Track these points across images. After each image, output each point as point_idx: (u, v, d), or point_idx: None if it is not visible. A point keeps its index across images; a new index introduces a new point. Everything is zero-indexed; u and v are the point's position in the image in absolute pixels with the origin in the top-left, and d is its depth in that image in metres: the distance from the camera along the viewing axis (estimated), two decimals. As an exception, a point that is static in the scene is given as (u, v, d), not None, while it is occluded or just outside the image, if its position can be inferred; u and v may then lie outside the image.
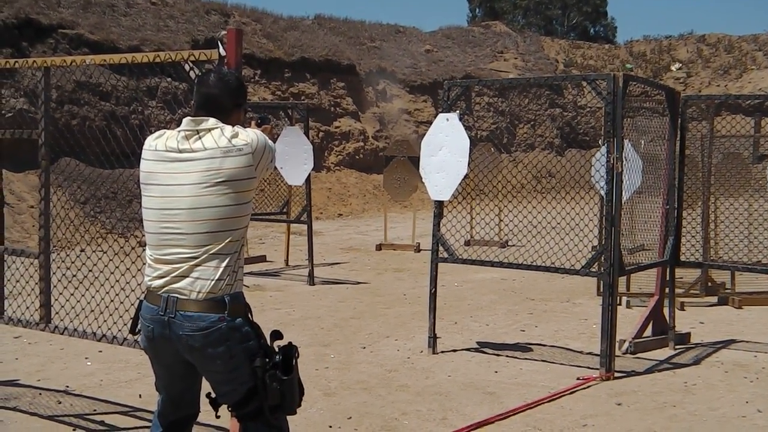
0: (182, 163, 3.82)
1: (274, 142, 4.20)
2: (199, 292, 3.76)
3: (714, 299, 11.41)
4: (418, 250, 15.99)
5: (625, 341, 8.30)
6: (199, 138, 3.83)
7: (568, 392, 6.91)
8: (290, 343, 3.97)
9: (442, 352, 8.25)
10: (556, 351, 8.42)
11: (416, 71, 31.96)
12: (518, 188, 10.01)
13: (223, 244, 3.80)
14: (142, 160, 3.98)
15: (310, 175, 12.37)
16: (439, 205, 8.38)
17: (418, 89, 31.09)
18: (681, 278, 11.51)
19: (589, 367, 7.63)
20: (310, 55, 28.07)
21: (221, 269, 3.79)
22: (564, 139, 33.50)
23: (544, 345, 8.70)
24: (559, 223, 8.51)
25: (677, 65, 39.62)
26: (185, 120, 3.93)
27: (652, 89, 10.29)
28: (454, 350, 8.36)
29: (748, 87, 35.32)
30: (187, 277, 3.78)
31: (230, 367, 3.81)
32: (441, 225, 8.37)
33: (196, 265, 3.78)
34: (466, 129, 8.25)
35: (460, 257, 8.45)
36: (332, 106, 27.72)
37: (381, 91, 30.28)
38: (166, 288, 3.82)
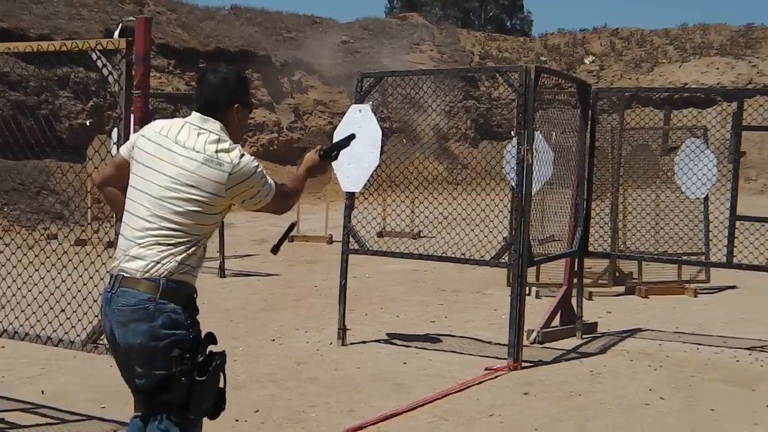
0: (170, 153, 3.86)
1: (318, 174, 4.35)
2: (138, 270, 3.77)
3: (622, 289, 11.59)
4: (330, 241, 15.95)
5: (533, 331, 8.39)
6: (197, 135, 3.88)
7: (477, 382, 6.95)
8: (222, 352, 3.88)
9: (352, 344, 8.24)
10: (466, 342, 8.47)
11: (332, 62, 31.89)
12: (431, 179, 10.06)
13: (170, 233, 3.80)
14: (141, 138, 3.99)
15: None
16: (351, 196, 8.36)
17: (334, 80, 31.01)
18: (590, 268, 11.68)
19: (497, 357, 7.68)
20: (226, 45, 27.85)
21: (165, 254, 3.78)
22: (478, 130, 33.73)
23: (454, 336, 8.75)
24: (469, 215, 8.54)
25: (591, 58, 40.13)
26: (194, 114, 3.98)
27: (566, 81, 10.38)
28: (364, 342, 8.35)
29: (659, 80, 35.92)
30: (134, 258, 3.80)
31: (149, 350, 3.74)
32: (353, 216, 8.36)
33: (144, 246, 3.80)
34: (380, 121, 8.25)
35: (371, 248, 8.45)
36: (247, 97, 27.49)
37: (296, 82, 30.16)
38: (118, 266, 3.85)
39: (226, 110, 3.99)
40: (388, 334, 8.69)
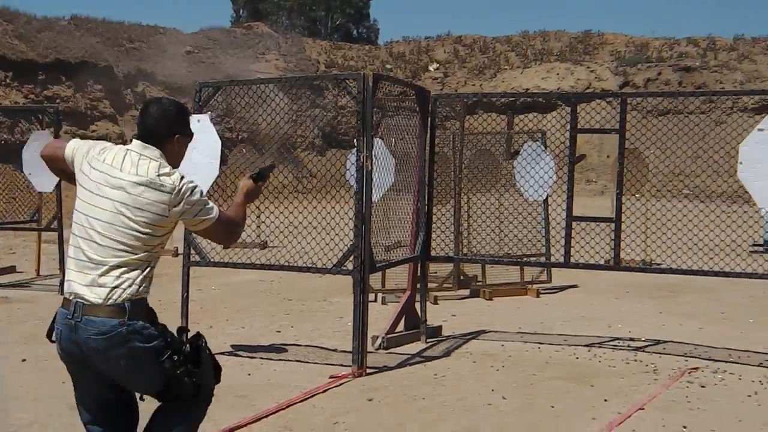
0: (115, 179, 4.02)
1: (254, 198, 4.66)
2: (100, 297, 3.91)
3: (467, 292, 11.77)
4: (176, 254, 15.64)
5: (378, 337, 8.43)
6: (138, 162, 4.05)
7: (321, 391, 6.92)
8: (197, 333, 4.25)
9: (196, 357, 8.10)
10: (311, 350, 8.44)
11: (177, 73, 31.48)
12: (279, 189, 9.99)
13: (126, 258, 3.97)
14: (86, 165, 4.12)
15: (60, 180, 11.91)
16: (191, 208, 8.22)
17: (179, 91, 30.58)
18: (435, 273, 11.84)
19: (342, 365, 7.68)
20: (66, 56, 27.18)
21: (122, 278, 3.95)
22: (325, 139, 33.82)
23: (300, 345, 8.71)
24: (320, 223, 8.50)
25: (435, 65, 40.77)
26: (135, 142, 4.15)
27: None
28: (209, 355, 8.22)
29: (502, 86, 36.74)
30: (92, 285, 3.94)
31: (134, 367, 3.97)
32: (195, 228, 8.22)
33: (101, 274, 3.94)
34: (226, 131, 8.16)
35: (212, 260, 8.35)
36: (89, 109, 26.95)
37: (140, 93, 29.64)
38: (74, 292, 3.97)
39: (167, 140, 4.16)
40: (232, 346, 8.58)
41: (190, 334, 4.22)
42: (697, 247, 8.92)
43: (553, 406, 6.57)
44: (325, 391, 6.95)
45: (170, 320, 9.13)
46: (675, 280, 12.23)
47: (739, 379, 7.45)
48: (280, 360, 8.06)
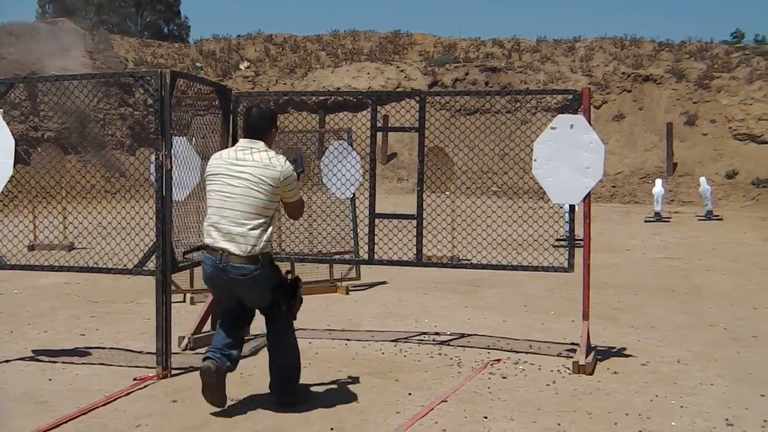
0: (238, 167, 6.24)
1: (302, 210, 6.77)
2: (242, 250, 6.15)
3: (277, 291, 11.71)
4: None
5: (184, 338, 8.32)
6: (251, 153, 6.27)
7: (124, 394, 6.77)
8: (296, 277, 6.62)
9: (-7, 364, 7.81)
10: (116, 353, 8.25)
11: (-25, 69, 30.20)
12: (87, 188, 9.72)
13: (260, 221, 6.19)
14: (210, 164, 6.42)
15: None
16: (-15, 208, 7.93)
17: (-22, 88, 29.38)
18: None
19: (147, 367, 7.53)
20: None
21: (260, 236, 6.18)
22: (135, 138, 33.11)
23: (104, 348, 8.50)
24: (128, 223, 8.31)
25: (246, 64, 40.50)
26: (242, 140, 6.43)
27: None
28: (7, 361, 7.90)
29: (312, 85, 36.83)
30: (236, 241, 6.16)
31: (257, 294, 6.35)
32: (-10, 230, 7.93)
33: (242, 234, 6.16)
34: (31, 129, 7.88)
35: (8, 263, 8.05)
36: None
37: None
38: (221, 244, 6.18)
39: (267, 132, 6.41)
40: (34, 351, 8.29)
41: (290, 277, 6.55)
42: (506, 243, 9.17)
43: (358, 401, 6.64)
44: (128, 394, 6.80)
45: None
46: (481, 275, 12.62)
47: (539, 369, 7.72)
48: (83, 364, 7.83)
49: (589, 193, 7.94)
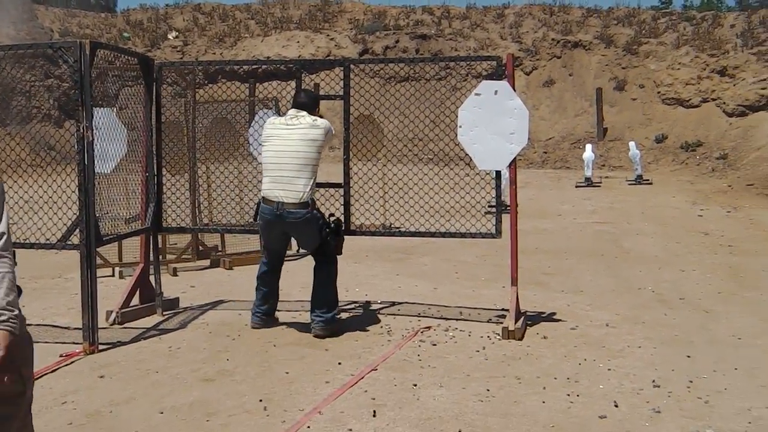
0: (288, 130, 7.67)
1: None
2: (295, 198, 7.51)
3: (207, 262, 11.68)
4: None
5: (111, 312, 8.24)
6: (298, 119, 7.71)
7: (50, 371, 6.71)
8: (338, 218, 8.05)
9: None
10: (43, 329, 8.12)
11: None
12: (18, 162, 9.52)
13: (308, 173, 7.57)
14: (265, 129, 7.85)
15: None
16: None
17: None
18: (175, 244, 11.68)
19: (75, 343, 7.45)
20: None
21: (308, 186, 7.55)
22: (62, 110, 32.55)
23: (30, 324, 8.27)
24: (60, 197, 8.15)
25: (174, 33, 39.98)
26: (291, 111, 7.83)
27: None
28: (-71, 339, 7.77)
29: (242, 54, 36.47)
30: (290, 190, 7.51)
31: (310, 233, 7.73)
32: None
33: (294, 184, 7.51)
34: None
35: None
36: None
37: None
38: (277, 194, 7.54)
39: (313, 109, 7.87)
40: (-44, 330, 8.14)
41: (333, 218, 7.94)
42: (436, 210, 9.16)
43: (287, 372, 6.64)
44: (54, 371, 6.74)
45: None
46: (413, 242, 12.64)
47: (469, 335, 7.78)
48: (6, 342, 7.70)
49: (514, 158, 7.97)
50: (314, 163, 7.62)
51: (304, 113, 7.76)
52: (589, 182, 23.63)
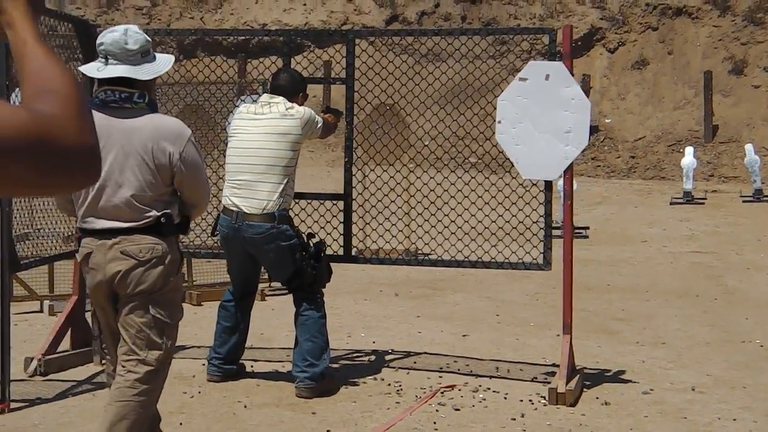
0: (255, 122, 7.78)
1: (335, 128, 8.81)
2: (257, 208, 7.55)
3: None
4: None
5: (32, 359, 8.31)
6: (269, 107, 7.81)
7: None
8: (320, 240, 8.02)
9: None
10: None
11: None
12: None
13: (276, 176, 7.63)
14: (234, 119, 8.02)
15: None
16: None
17: None
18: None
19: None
20: None
21: (274, 193, 7.59)
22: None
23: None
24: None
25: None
26: (264, 95, 8.06)
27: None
28: None
29: (230, 20, 36.55)
30: (249, 197, 7.58)
31: (276, 257, 7.75)
32: None
33: (255, 190, 7.57)
34: None
35: None
36: None
37: None
38: (235, 202, 7.62)
39: (294, 95, 7.99)
40: None
41: (314, 240, 7.89)
42: (476, 231, 9.02)
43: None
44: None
45: None
46: (444, 274, 12.65)
47: (505, 398, 7.80)
48: None
49: (571, 165, 7.97)
50: (286, 164, 7.70)
51: (280, 99, 7.83)
52: (689, 198, 23.42)
